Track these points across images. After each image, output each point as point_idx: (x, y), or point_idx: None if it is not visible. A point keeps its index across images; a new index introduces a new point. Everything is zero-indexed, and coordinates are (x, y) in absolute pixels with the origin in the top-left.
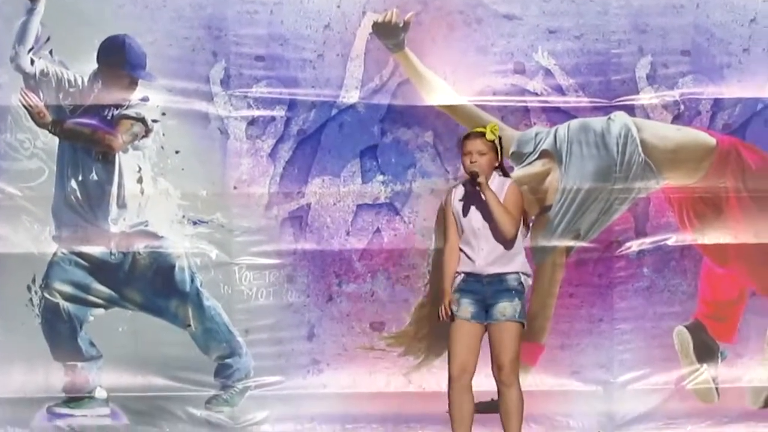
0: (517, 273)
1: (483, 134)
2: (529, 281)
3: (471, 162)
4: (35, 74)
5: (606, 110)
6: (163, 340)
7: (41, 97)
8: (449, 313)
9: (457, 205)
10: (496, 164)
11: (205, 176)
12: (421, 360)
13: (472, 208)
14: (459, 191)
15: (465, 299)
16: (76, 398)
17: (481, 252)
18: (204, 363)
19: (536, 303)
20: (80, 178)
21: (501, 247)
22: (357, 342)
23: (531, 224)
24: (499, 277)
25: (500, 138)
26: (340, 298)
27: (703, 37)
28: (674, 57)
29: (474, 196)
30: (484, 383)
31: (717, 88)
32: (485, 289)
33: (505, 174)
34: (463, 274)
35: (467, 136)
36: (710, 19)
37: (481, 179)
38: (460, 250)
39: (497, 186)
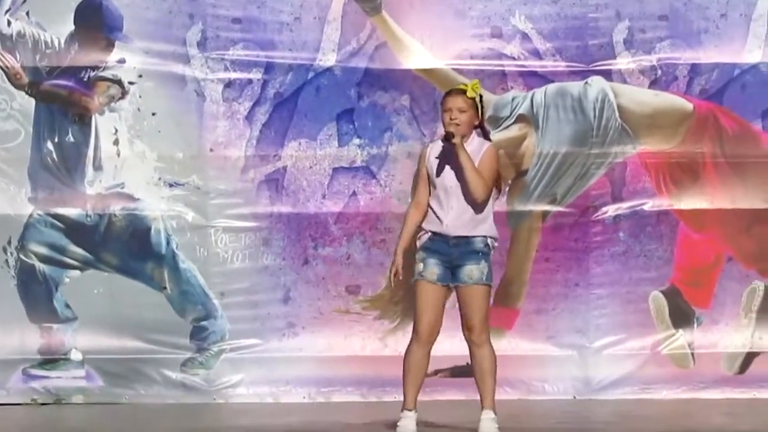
0: (484, 236)
1: (464, 91)
2: (496, 245)
3: (450, 119)
4: (12, 36)
5: (583, 75)
6: (139, 302)
7: (18, 58)
8: (398, 277)
9: (433, 162)
10: (477, 123)
11: (181, 138)
12: (397, 323)
13: (446, 167)
14: (436, 148)
15: (431, 260)
16: (51, 360)
17: (450, 212)
18: (179, 325)
19: (512, 268)
20: (56, 140)
21: (470, 210)
22: (333, 305)
23: (506, 189)
24: (466, 240)
25: (482, 96)
26: (316, 261)
27: (681, 2)
28: (651, 22)
29: (449, 154)
30: (459, 347)
31: (694, 53)
32: (452, 251)
33: (486, 136)
34: (430, 233)
35: (448, 93)
36: None
37: (456, 140)
38: (430, 208)
39: (475, 147)
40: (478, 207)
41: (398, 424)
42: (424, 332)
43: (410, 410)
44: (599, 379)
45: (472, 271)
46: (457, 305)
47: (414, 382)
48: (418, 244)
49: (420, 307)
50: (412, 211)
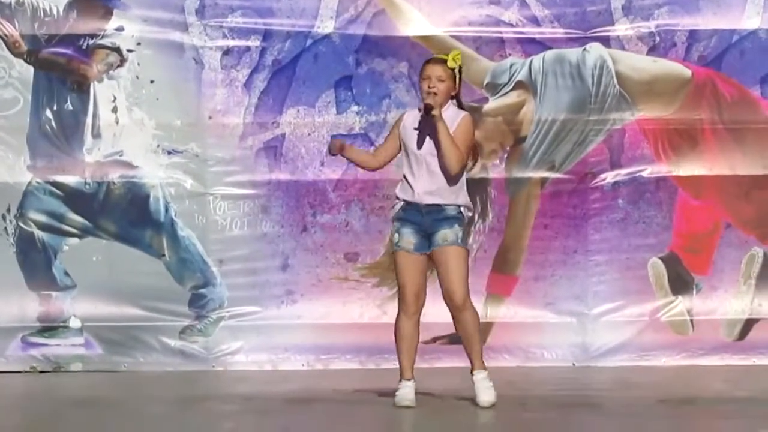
0: (457, 205)
1: (445, 61)
2: (469, 213)
3: (429, 87)
4: (10, 3)
5: (581, 41)
6: (138, 269)
7: (16, 26)
8: (332, 149)
9: (409, 131)
10: (453, 93)
11: (179, 106)
12: (395, 291)
13: (422, 137)
14: (412, 116)
15: (406, 229)
16: (50, 327)
17: (421, 179)
18: (178, 293)
19: (510, 234)
20: (55, 108)
21: (443, 180)
22: (331, 273)
23: (504, 156)
24: (438, 208)
25: (461, 67)
26: (315, 228)
27: None
28: None
29: (425, 124)
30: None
31: (692, 19)
32: (424, 219)
33: (461, 106)
34: (403, 202)
35: (428, 61)
36: None
37: (435, 111)
38: (403, 177)
39: (451, 116)
40: (451, 179)
41: (396, 393)
42: (410, 302)
43: (408, 380)
44: (598, 346)
45: (447, 234)
46: None
47: (408, 352)
48: (393, 214)
49: (401, 277)
50: (369, 156)
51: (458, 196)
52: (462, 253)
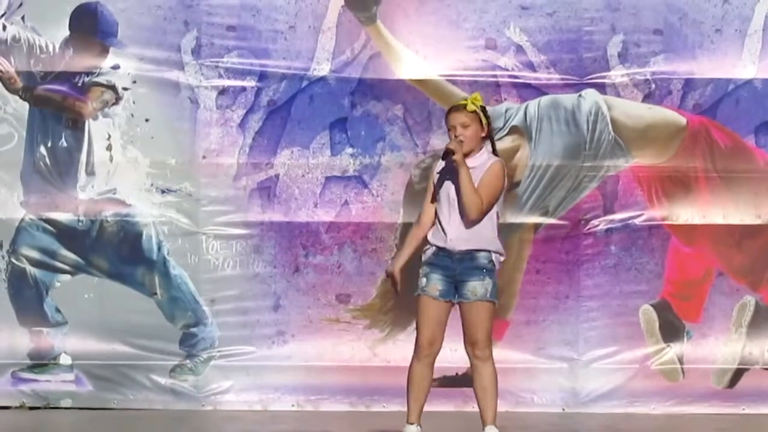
0: (488, 251)
1: (464, 106)
2: (501, 259)
3: (455, 136)
4: (7, 40)
5: (577, 87)
6: (129, 307)
7: (12, 62)
8: (395, 288)
9: (437, 176)
10: (483, 134)
11: (174, 145)
12: (387, 333)
13: (449, 182)
14: (441, 162)
15: (435, 275)
16: (40, 364)
17: (452, 226)
18: (169, 331)
19: (503, 278)
20: (50, 145)
21: (473, 225)
22: (323, 314)
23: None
24: (470, 254)
25: (484, 107)
26: (307, 269)
27: (676, 16)
28: (646, 36)
29: (451, 169)
30: (448, 357)
31: (688, 67)
32: (455, 266)
33: (494, 150)
34: (434, 248)
35: (449, 111)
36: None
37: (456, 157)
38: (437, 221)
39: (482, 162)
40: (470, 224)
41: None
42: (424, 347)
43: (412, 424)
44: (588, 391)
45: (476, 287)
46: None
47: (416, 396)
48: (423, 258)
49: (421, 322)
50: (414, 228)
51: (490, 242)
52: (490, 308)
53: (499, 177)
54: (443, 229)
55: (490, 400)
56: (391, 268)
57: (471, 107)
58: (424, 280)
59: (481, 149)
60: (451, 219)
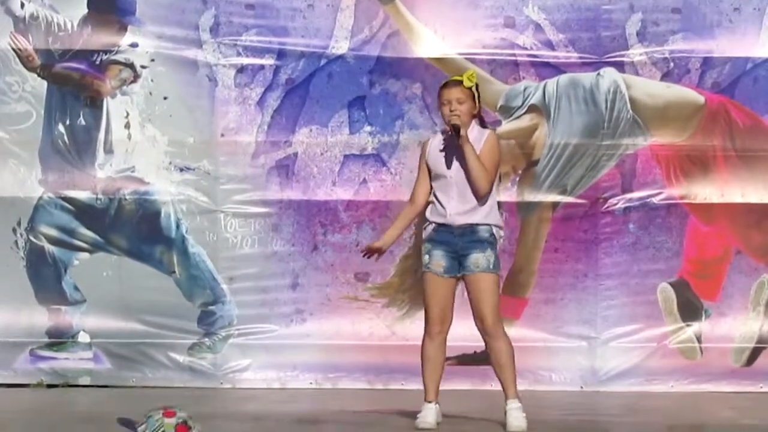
0: (488, 225)
1: (461, 82)
2: (501, 233)
3: (450, 111)
4: (25, 18)
5: (595, 66)
6: (148, 285)
7: (30, 40)
8: (367, 252)
9: (435, 155)
10: (475, 112)
11: (192, 123)
12: (405, 311)
13: (449, 158)
14: (436, 140)
15: (437, 251)
16: (59, 342)
17: (452, 201)
18: (188, 310)
19: (521, 257)
20: (68, 123)
21: (474, 200)
22: (341, 292)
23: (516, 179)
24: (471, 228)
25: (477, 85)
26: (325, 247)
27: None
28: (665, 14)
29: (452, 146)
30: (466, 335)
31: (707, 46)
32: (456, 241)
33: (483, 124)
34: (434, 224)
35: (444, 85)
36: None
37: (462, 132)
38: (435, 198)
39: (475, 136)
40: (481, 198)
41: (418, 415)
42: (435, 324)
43: (430, 402)
44: (606, 370)
45: (478, 259)
46: (466, 295)
47: (431, 374)
48: (424, 235)
49: (428, 299)
50: (406, 207)
51: (490, 216)
52: (494, 279)
53: (497, 147)
54: (442, 205)
55: (509, 374)
56: (380, 242)
57: (468, 83)
58: (427, 257)
59: (471, 124)
60: (450, 194)
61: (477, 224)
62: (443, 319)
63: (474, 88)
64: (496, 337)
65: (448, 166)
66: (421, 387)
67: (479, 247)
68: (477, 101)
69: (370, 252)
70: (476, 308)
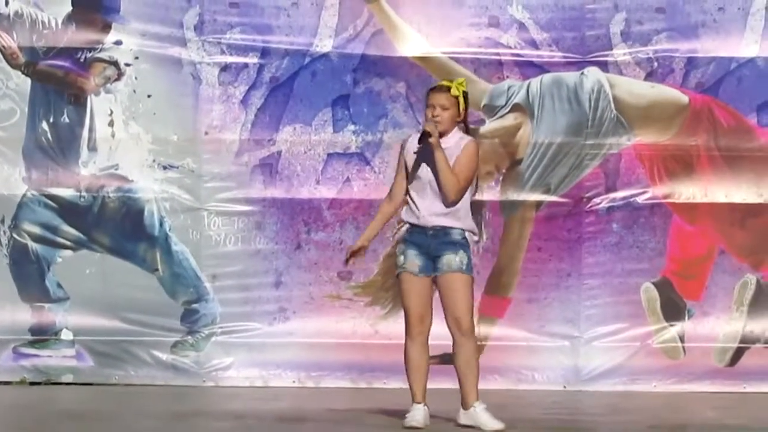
0: (462, 229)
1: (449, 89)
2: (475, 238)
3: (432, 115)
4: (9, 15)
5: (579, 65)
6: (131, 283)
7: (14, 38)
8: (350, 256)
9: (410, 156)
10: (459, 119)
11: (176, 121)
12: (388, 310)
13: (424, 160)
14: (414, 141)
15: (411, 251)
16: (42, 339)
17: (425, 202)
18: (171, 307)
19: (504, 256)
20: (52, 120)
21: (451, 205)
22: (324, 291)
23: (499, 178)
24: (444, 230)
25: (466, 93)
26: (309, 246)
27: None
28: (649, 14)
29: (426, 149)
30: (448, 335)
31: (691, 46)
32: (430, 242)
33: (467, 131)
34: (408, 225)
35: (433, 89)
36: None
37: (432, 139)
38: (409, 199)
39: (455, 143)
40: (449, 204)
41: (407, 415)
42: (414, 324)
43: (419, 404)
44: (589, 369)
45: (451, 260)
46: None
47: (416, 377)
48: (398, 236)
49: (406, 299)
50: (384, 204)
51: (463, 220)
52: (466, 280)
53: (474, 156)
54: (416, 206)
55: (474, 377)
56: (359, 242)
57: (455, 92)
58: (402, 257)
59: (453, 130)
60: (424, 196)
61: (450, 227)
62: (422, 318)
63: (461, 97)
64: (469, 337)
65: (423, 169)
66: (405, 386)
67: (452, 248)
68: (464, 108)
69: (353, 255)
70: (450, 310)
